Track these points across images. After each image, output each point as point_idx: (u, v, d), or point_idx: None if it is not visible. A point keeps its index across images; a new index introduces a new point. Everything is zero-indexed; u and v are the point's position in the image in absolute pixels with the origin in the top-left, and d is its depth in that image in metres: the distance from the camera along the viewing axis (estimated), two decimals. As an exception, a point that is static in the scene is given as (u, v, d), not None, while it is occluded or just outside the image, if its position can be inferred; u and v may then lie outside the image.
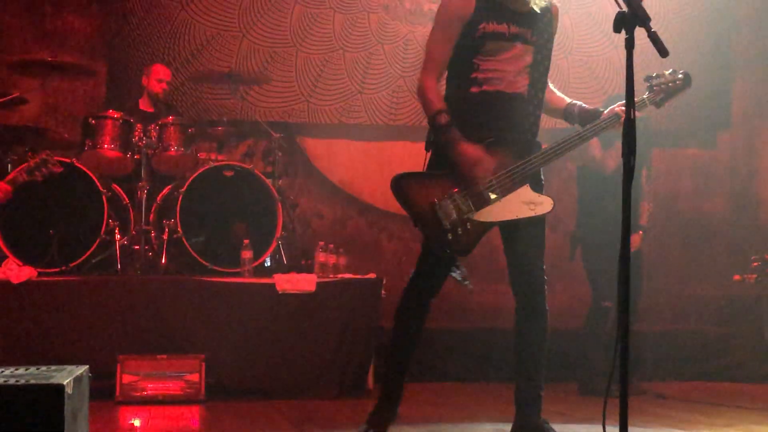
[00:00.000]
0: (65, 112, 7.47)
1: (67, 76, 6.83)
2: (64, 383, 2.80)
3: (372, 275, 6.11)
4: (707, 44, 8.38)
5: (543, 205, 3.82)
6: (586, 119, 3.93)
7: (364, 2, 8.00)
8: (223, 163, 6.38)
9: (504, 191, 3.75)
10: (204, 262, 6.01)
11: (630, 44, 2.89)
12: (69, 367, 3.25)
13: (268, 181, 6.36)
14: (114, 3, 7.72)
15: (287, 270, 6.10)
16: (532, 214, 3.78)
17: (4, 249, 5.73)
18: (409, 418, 4.97)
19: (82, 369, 3.27)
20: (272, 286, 5.74)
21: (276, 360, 5.64)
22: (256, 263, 6.05)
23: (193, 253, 6.00)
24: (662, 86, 3.96)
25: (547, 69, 3.92)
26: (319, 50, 7.94)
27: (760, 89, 8.55)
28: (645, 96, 3.96)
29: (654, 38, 2.86)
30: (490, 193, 3.73)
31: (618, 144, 5.66)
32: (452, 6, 3.76)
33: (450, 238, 3.69)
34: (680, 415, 5.13)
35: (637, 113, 3.74)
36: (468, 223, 3.71)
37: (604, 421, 3.00)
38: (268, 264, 6.30)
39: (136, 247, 6.15)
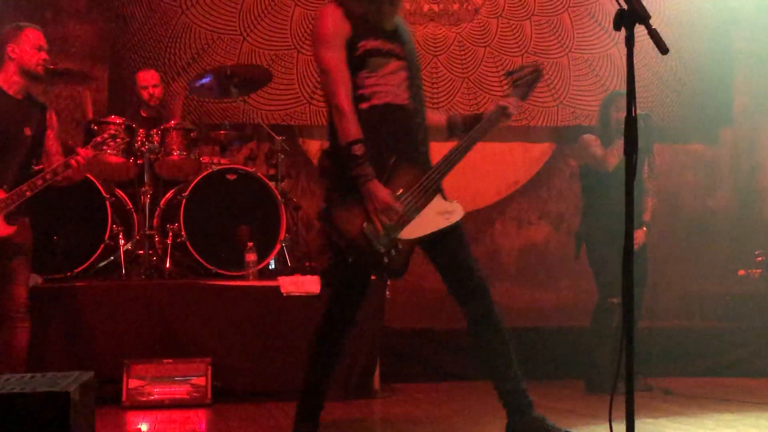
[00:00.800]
0: (67, 118, 7.48)
1: (69, 82, 6.84)
2: (71, 390, 2.80)
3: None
4: (707, 40, 8.39)
5: (456, 212, 3.82)
6: (472, 125, 3.95)
7: (363, 4, 8.00)
8: (226, 166, 6.39)
9: (420, 206, 3.76)
10: (208, 266, 6.01)
11: (630, 42, 2.90)
12: (75, 374, 3.26)
13: (271, 184, 6.37)
14: (114, 8, 7.74)
15: (291, 272, 6.11)
16: (448, 223, 3.79)
17: (9, 256, 5.74)
18: (416, 419, 4.97)
19: (87, 375, 3.28)
20: (277, 288, 5.75)
21: (282, 362, 5.63)
22: (261, 266, 6.06)
23: (197, 256, 6.01)
24: (522, 80, 4.05)
25: (421, 85, 3.95)
26: (320, 52, 7.93)
27: (761, 84, 8.56)
28: (510, 92, 4.05)
29: (654, 35, 2.87)
30: (408, 210, 3.72)
31: (619, 142, 5.71)
32: (333, 27, 3.76)
33: (386, 261, 3.68)
34: (687, 411, 5.13)
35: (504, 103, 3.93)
36: (399, 243, 3.69)
37: (611, 419, 3.00)
38: (272, 266, 6.31)
39: (141, 251, 6.16)
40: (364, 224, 3.65)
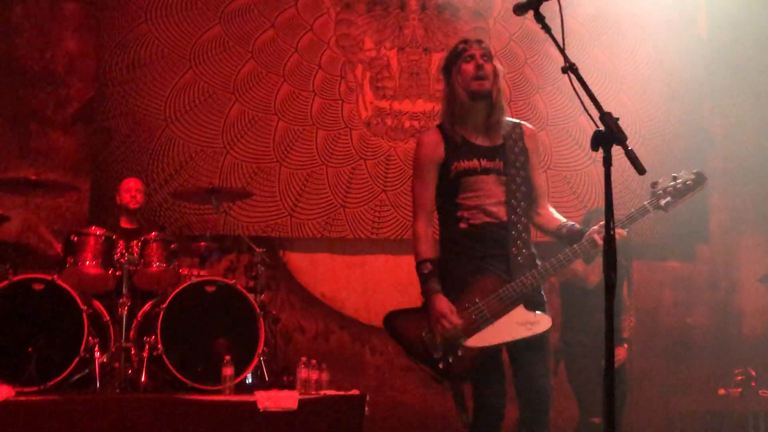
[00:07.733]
0: (48, 229, 7.47)
1: (51, 193, 6.83)
2: None
3: (355, 392, 6.02)
4: (682, 160, 8.50)
5: (539, 324, 3.90)
6: (572, 240, 4.02)
7: (346, 119, 8.15)
8: (205, 278, 6.34)
9: (495, 314, 3.88)
10: (184, 380, 5.90)
11: (607, 162, 2.94)
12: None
13: (250, 296, 6.32)
14: (99, 121, 7.83)
15: (269, 386, 6.01)
16: (528, 334, 3.88)
17: (-18, 368, 5.63)
18: None
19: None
20: (254, 404, 5.63)
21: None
22: (237, 380, 5.96)
23: (173, 370, 5.90)
24: (668, 189, 4.04)
25: (525, 194, 4.07)
26: (302, 165, 8.03)
27: (736, 202, 8.68)
28: (646, 202, 4.02)
29: (631, 157, 2.89)
30: (479, 319, 3.88)
31: (600, 258, 5.74)
32: (425, 153, 4.06)
33: (441, 367, 3.88)
34: None
35: (632, 225, 3.94)
36: (459, 350, 3.87)
37: None
38: (250, 381, 6.20)
39: (116, 364, 6.05)
40: (424, 331, 3.91)
